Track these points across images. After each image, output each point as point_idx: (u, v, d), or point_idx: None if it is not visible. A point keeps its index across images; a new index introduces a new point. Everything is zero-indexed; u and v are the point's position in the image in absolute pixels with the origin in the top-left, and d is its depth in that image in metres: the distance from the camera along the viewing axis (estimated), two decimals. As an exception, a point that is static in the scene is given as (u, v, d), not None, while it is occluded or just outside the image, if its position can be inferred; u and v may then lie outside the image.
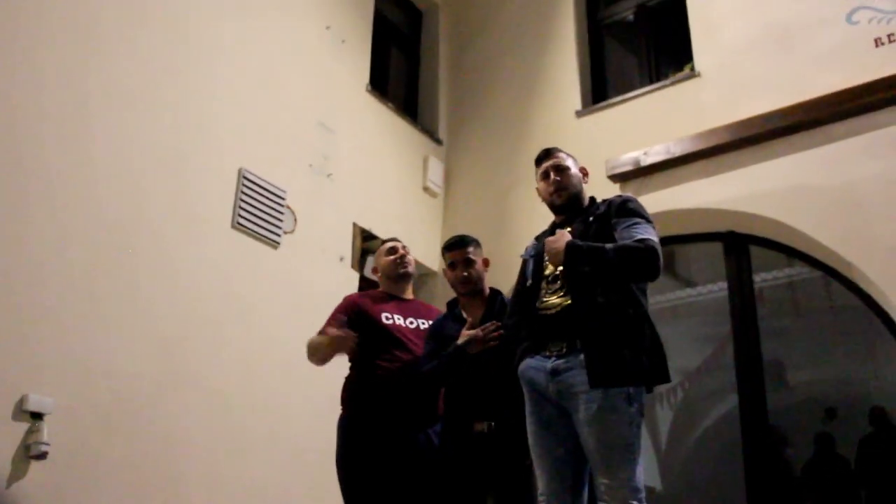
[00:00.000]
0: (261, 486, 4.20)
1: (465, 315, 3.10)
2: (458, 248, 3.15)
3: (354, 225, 5.33)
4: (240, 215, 4.47)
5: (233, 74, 4.66)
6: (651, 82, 5.65)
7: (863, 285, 4.45)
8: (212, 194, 4.39)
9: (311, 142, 5.12)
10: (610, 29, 6.28)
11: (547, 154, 3.01)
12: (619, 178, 5.23)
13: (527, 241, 3.03)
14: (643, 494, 2.48)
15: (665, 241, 3.62)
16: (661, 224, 2.96)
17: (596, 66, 6.05)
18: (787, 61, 4.81)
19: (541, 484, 2.63)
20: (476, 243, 3.20)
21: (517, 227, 5.08)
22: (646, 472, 2.59)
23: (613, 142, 5.31)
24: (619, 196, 2.85)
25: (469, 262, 3.12)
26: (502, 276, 3.46)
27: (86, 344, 3.60)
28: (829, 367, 6.49)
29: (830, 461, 5.86)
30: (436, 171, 6.17)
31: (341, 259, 5.14)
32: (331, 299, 3.48)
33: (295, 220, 4.86)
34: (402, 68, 6.73)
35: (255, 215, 4.56)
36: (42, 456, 3.30)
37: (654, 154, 5.12)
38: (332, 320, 3.30)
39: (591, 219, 2.78)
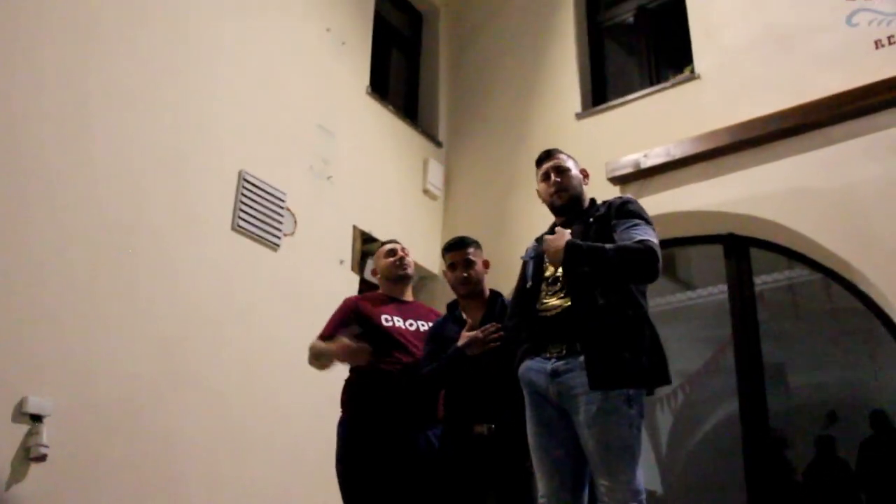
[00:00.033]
0: (261, 488, 4.19)
1: (465, 317, 3.10)
2: (458, 249, 3.15)
3: (354, 227, 5.33)
4: (240, 217, 4.47)
5: (233, 76, 4.66)
6: (651, 84, 5.65)
7: (863, 287, 4.44)
8: (212, 196, 4.39)
9: (311, 144, 5.12)
10: (610, 31, 6.29)
11: (547, 155, 3.01)
12: (619, 180, 5.22)
13: (527, 243, 3.04)
14: (643, 496, 2.48)
15: (665, 243, 3.62)
16: (661, 226, 2.96)
17: (596, 69, 6.05)
18: (787, 63, 4.81)
19: (541, 485, 2.63)
20: (476, 245, 3.20)
21: (517, 230, 5.08)
22: (646, 475, 2.59)
23: (613, 144, 5.30)
24: (620, 197, 2.85)
25: (469, 264, 3.12)
26: (502, 279, 3.46)
27: (86, 346, 3.60)
28: (830, 370, 6.48)
29: (831, 464, 5.85)
30: (436, 173, 6.17)
31: (341, 261, 5.14)
32: (331, 302, 3.49)
33: (295, 222, 4.85)
34: (402, 71, 6.73)
35: (255, 217, 4.56)
36: (42, 458, 3.29)
37: (654, 156, 5.12)
38: (333, 323, 3.30)
39: (591, 220, 2.79)
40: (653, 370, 2.57)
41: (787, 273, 5.48)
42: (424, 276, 5.83)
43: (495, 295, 3.18)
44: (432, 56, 6.75)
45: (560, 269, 2.71)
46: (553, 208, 2.95)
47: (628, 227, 2.65)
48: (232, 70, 4.66)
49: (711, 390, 6.72)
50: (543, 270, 2.80)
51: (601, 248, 2.59)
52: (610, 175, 5.22)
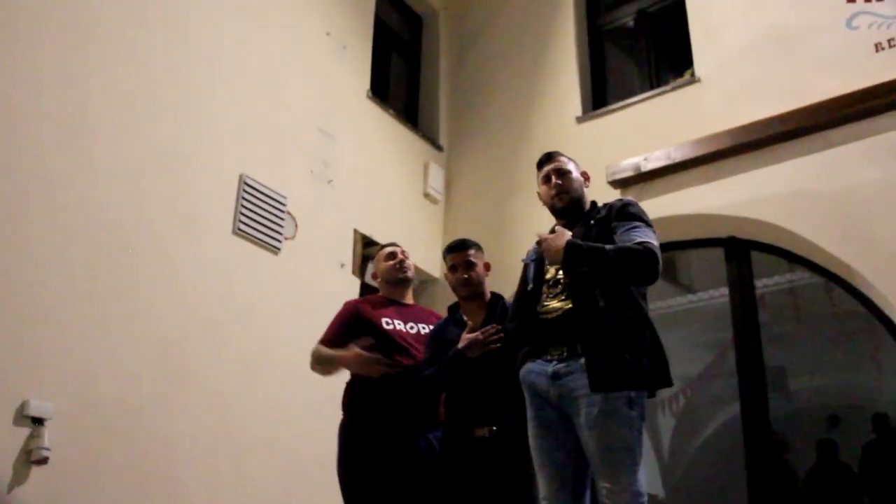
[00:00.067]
0: (261, 490, 4.19)
1: (466, 319, 3.09)
2: (459, 251, 3.15)
3: (355, 231, 5.33)
4: (240, 221, 4.48)
5: (234, 80, 4.67)
6: (651, 88, 5.65)
7: (864, 290, 4.44)
8: (213, 200, 4.39)
9: (311, 148, 5.12)
10: (610, 34, 6.29)
11: (548, 158, 3.01)
12: (620, 183, 5.22)
13: (527, 246, 3.03)
14: (645, 499, 2.48)
15: (666, 246, 3.62)
16: (661, 230, 2.96)
17: (596, 72, 6.06)
18: (788, 66, 4.82)
19: (542, 488, 2.63)
20: (477, 247, 3.20)
21: (518, 233, 5.08)
22: (648, 478, 2.58)
23: (614, 147, 5.31)
24: (620, 200, 2.86)
25: (470, 265, 3.12)
26: (503, 282, 3.46)
27: (87, 349, 3.60)
28: (832, 373, 6.47)
29: (833, 468, 5.84)
30: (436, 177, 6.18)
31: (342, 265, 5.14)
32: (331, 305, 3.49)
33: (296, 226, 4.86)
34: (402, 74, 6.74)
35: (255, 221, 4.56)
36: (43, 461, 3.29)
37: (654, 160, 5.12)
38: (334, 328, 3.30)
39: (591, 222, 2.79)
40: (653, 372, 2.57)
41: (787, 276, 5.49)
42: (425, 280, 5.84)
43: (496, 297, 3.18)
44: (432, 60, 6.77)
45: (561, 272, 2.71)
46: (554, 211, 2.95)
47: (628, 229, 2.66)
48: (233, 73, 4.67)
49: (713, 394, 6.72)
50: (544, 273, 2.80)
51: (601, 248, 2.59)
52: (610, 178, 5.22)
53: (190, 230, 4.22)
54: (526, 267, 2.92)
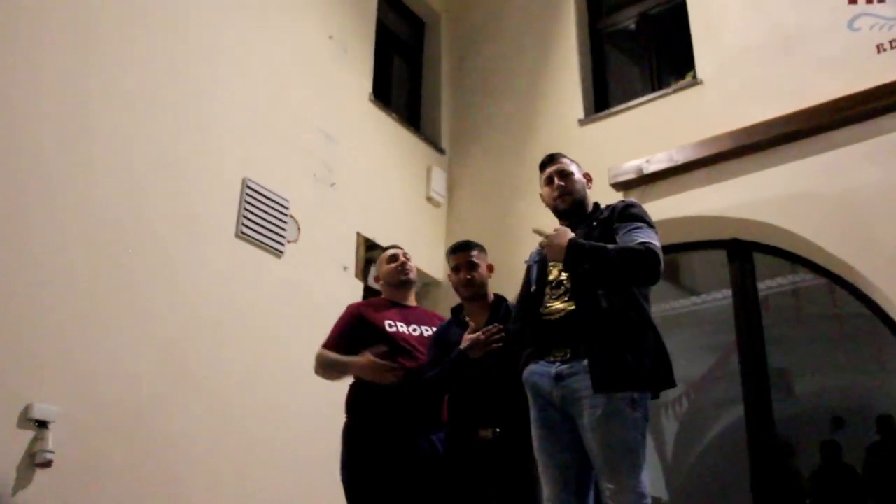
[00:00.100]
0: (264, 492, 4.19)
1: (468, 321, 3.10)
2: (462, 252, 3.16)
3: (358, 234, 5.34)
4: (243, 224, 4.48)
5: (236, 83, 4.68)
6: (653, 90, 5.66)
7: (867, 292, 4.43)
8: (215, 203, 4.40)
9: (314, 151, 5.13)
10: (612, 37, 6.30)
11: (551, 159, 3.02)
12: (622, 186, 5.22)
13: (530, 249, 3.03)
14: (648, 500, 2.48)
15: (668, 248, 3.62)
16: (664, 232, 2.97)
17: (598, 75, 6.06)
18: (789, 68, 4.82)
19: (546, 490, 2.63)
20: (481, 248, 3.21)
21: (520, 236, 5.06)
22: (652, 481, 2.58)
23: (616, 150, 5.31)
24: (623, 201, 2.87)
25: (472, 266, 3.12)
26: (506, 284, 3.46)
27: (90, 352, 3.61)
28: (836, 375, 6.47)
29: (837, 470, 5.83)
30: (439, 180, 6.19)
31: (345, 268, 5.15)
32: (334, 308, 3.49)
33: (298, 229, 4.87)
34: (404, 78, 6.76)
35: (258, 224, 4.57)
36: (47, 464, 3.30)
37: (656, 162, 5.12)
38: (337, 332, 3.30)
39: (594, 223, 2.79)
40: (656, 373, 2.57)
41: (790, 278, 5.48)
42: (428, 283, 5.84)
43: (500, 299, 3.18)
44: (434, 63, 6.78)
45: (564, 273, 2.71)
46: (557, 212, 2.95)
47: (630, 230, 2.66)
48: (235, 76, 4.68)
49: (716, 396, 6.72)
50: (547, 274, 2.80)
51: (603, 247, 2.60)
52: (613, 181, 5.22)
53: (192, 233, 4.23)
54: (529, 268, 2.92)
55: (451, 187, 6.30)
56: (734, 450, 5.18)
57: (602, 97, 5.98)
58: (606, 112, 5.73)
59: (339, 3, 5.68)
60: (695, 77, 5.31)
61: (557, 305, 2.69)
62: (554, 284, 2.76)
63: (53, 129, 3.68)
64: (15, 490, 3.22)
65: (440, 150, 6.38)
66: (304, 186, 4.99)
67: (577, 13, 6.14)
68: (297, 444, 4.40)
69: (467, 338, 2.96)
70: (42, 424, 3.32)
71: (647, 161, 5.14)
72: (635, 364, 2.51)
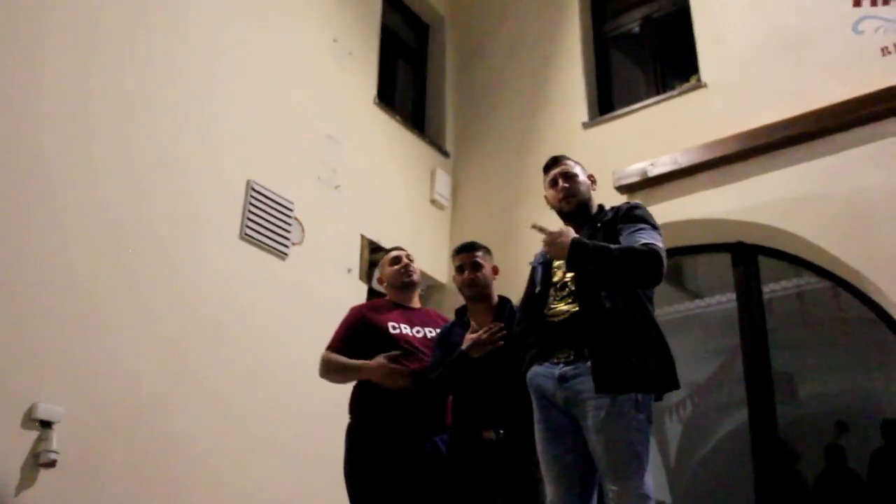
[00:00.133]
0: (266, 493, 4.19)
1: (472, 322, 3.10)
2: (466, 252, 3.17)
3: (362, 237, 5.34)
4: (248, 226, 4.49)
5: (240, 85, 4.69)
6: (657, 93, 5.66)
7: (872, 295, 4.42)
8: (220, 205, 4.41)
9: (318, 154, 5.14)
10: (616, 41, 6.31)
11: (555, 161, 3.02)
12: (626, 189, 5.22)
13: (534, 252, 3.03)
14: (652, 502, 2.47)
15: (673, 252, 3.61)
16: (668, 235, 2.96)
17: (602, 78, 6.07)
18: (794, 71, 4.81)
19: (549, 491, 2.63)
20: (486, 250, 3.22)
21: (524, 239, 5.02)
22: (655, 485, 2.57)
23: (620, 153, 5.31)
24: (627, 203, 2.87)
25: (476, 266, 3.13)
26: (510, 287, 3.46)
27: (95, 353, 3.61)
28: (840, 379, 6.44)
29: (842, 475, 5.80)
30: (443, 183, 6.19)
31: (349, 270, 5.15)
32: (338, 310, 3.49)
33: (303, 231, 4.87)
34: (408, 81, 6.77)
35: (263, 226, 4.58)
36: (51, 464, 3.30)
37: (661, 165, 5.12)
38: (341, 334, 3.31)
39: (598, 225, 2.79)
40: (660, 374, 2.57)
41: (795, 281, 5.46)
42: (432, 286, 5.84)
43: (504, 301, 3.18)
44: (439, 66, 6.79)
45: (568, 275, 2.71)
46: (562, 214, 2.95)
47: (634, 231, 2.66)
48: (239, 78, 4.69)
49: (720, 400, 6.69)
50: (552, 276, 2.81)
51: (606, 247, 2.59)
52: (617, 184, 5.22)
53: (196, 234, 4.24)
54: (533, 270, 2.93)
55: (455, 190, 6.31)
56: (738, 454, 5.16)
57: (606, 100, 5.98)
58: (611, 115, 5.74)
59: (343, 6, 5.70)
60: (699, 80, 5.30)
61: (561, 307, 2.69)
62: (558, 286, 2.76)
63: (53, 129, 3.68)
64: (18, 490, 3.22)
65: (444, 153, 6.38)
66: (309, 189, 5.00)
67: (581, 17, 6.15)
68: (299, 445, 4.40)
69: (469, 337, 2.97)
70: (46, 424, 3.32)
71: (652, 164, 5.14)
72: (638, 365, 2.51)
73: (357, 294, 5.04)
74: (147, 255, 3.94)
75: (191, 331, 4.07)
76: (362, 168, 5.48)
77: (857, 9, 4.66)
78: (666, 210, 4.85)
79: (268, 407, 4.31)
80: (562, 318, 2.68)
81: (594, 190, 3.01)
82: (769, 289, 5.22)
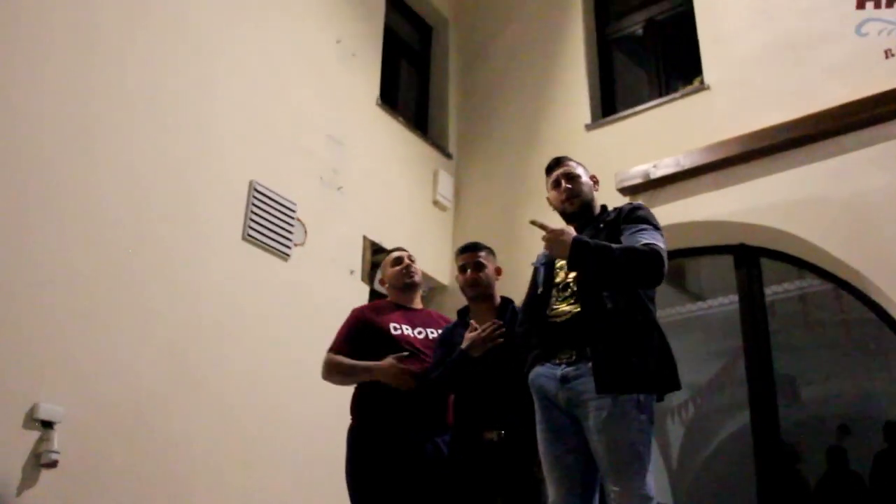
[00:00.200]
0: (268, 494, 4.19)
1: (474, 323, 3.10)
2: (469, 252, 3.17)
3: (364, 238, 5.34)
4: (250, 227, 4.49)
5: (244, 87, 4.69)
6: (660, 95, 5.66)
7: (875, 297, 4.42)
8: (222, 206, 4.41)
9: (321, 155, 5.15)
10: (619, 43, 6.31)
11: (557, 163, 3.02)
12: (629, 191, 5.22)
13: (536, 253, 3.03)
14: (654, 503, 2.47)
15: (675, 254, 3.60)
16: (671, 237, 2.96)
17: (605, 80, 6.07)
18: (797, 73, 4.81)
19: (550, 492, 2.63)
20: (489, 250, 3.22)
21: (527, 241, 5.04)
22: (657, 487, 2.57)
23: (623, 155, 5.31)
24: (630, 203, 2.88)
25: (479, 266, 3.13)
26: (512, 289, 3.46)
27: (96, 354, 3.61)
28: (843, 381, 6.41)
29: (844, 477, 5.79)
30: (445, 184, 6.19)
31: (351, 272, 5.15)
32: (340, 311, 3.49)
33: (305, 232, 4.88)
34: (412, 83, 6.77)
35: (265, 227, 4.58)
36: (52, 464, 3.31)
37: (663, 167, 5.11)
38: (343, 336, 3.31)
39: (601, 225, 2.80)
40: (661, 375, 2.57)
41: (797, 283, 5.45)
42: (434, 287, 5.84)
43: (506, 302, 3.19)
44: (442, 68, 6.79)
45: (571, 276, 2.71)
46: (565, 215, 2.95)
47: (635, 232, 2.66)
48: (242, 80, 4.70)
49: (722, 403, 6.68)
50: (554, 277, 2.81)
51: (607, 246, 2.59)
52: (619, 186, 5.22)
53: (199, 235, 4.24)
54: (536, 271, 2.93)
55: (457, 191, 6.31)
56: (740, 456, 5.15)
57: (609, 102, 5.98)
58: (613, 117, 5.74)
59: (347, 7, 5.70)
60: (702, 82, 5.31)
61: (564, 308, 2.70)
62: (560, 287, 2.76)
63: (54, 128, 3.67)
64: (20, 490, 3.23)
65: (447, 155, 6.38)
66: (311, 190, 5.00)
67: (584, 19, 6.15)
68: (300, 446, 4.40)
69: (468, 337, 2.97)
70: (47, 425, 3.33)
71: (655, 166, 5.14)
72: (640, 366, 2.51)
73: (359, 295, 5.05)
74: (149, 255, 3.95)
75: (192, 331, 4.07)
76: (365, 169, 5.48)
77: (860, 11, 4.66)
78: (668, 212, 4.84)
79: (269, 408, 4.32)
80: (564, 318, 2.68)
81: (597, 191, 3.01)
82: (771, 291, 5.22)
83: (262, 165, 4.68)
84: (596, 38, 6.21)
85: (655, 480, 2.54)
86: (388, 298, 3.54)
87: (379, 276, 3.68)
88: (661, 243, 2.63)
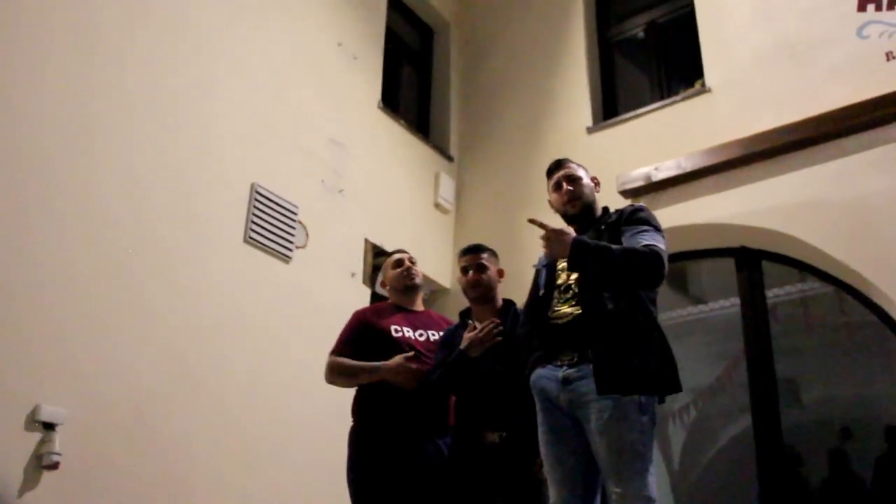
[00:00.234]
0: (270, 496, 4.19)
1: (476, 323, 3.10)
2: (472, 253, 3.18)
3: (366, 240, 5.34)
4: (252, 230, 4.50)
5: (244, 89, 4.69)
6: (662, 98, 5.67)
7: (877, 300, 4.41)
8: (224, 208, 4.41)
9: (323, 157, 5.15)
10: (620, 46, 6.31)
11: (558, 165, 3.03)
12: (631, 193, 5.22)
13: (538, 256, 3.03)
14: (656, 504, 2.47)
15: (676, 256, 3.61)
16: (672, 239, 2.96)
17: (606, 83, 6.07)
18: (798, 76, 4.82)
19: (552, 493, 2.63)
20: (492, 252, 3.23)
21: (528, 244, 5.03)
22: (659, 490, 2.56)
23: (624, 157, 5.31)
24: (631, 205, 2.88)
25: (481, 268, 3.14)
26: (514, 292, 3.46)
27: (98, 355, 3.61)
28: (844, 385, 6.40)
29: (846, 480, 5.78)
30: (447, 187, 6.19)
31: (353, 274, 5.15)
32: (342, 314, 3.50)
33: (307, 235, 4.88)
34: (413, 85, 6.78)
35: (267, 230, 4.58)
36: (54, 466, 3.30)
37: (665, 169, 5.11)
38: (345, 338, 3.31)
39: (602, 227, 2.80)
40: (662, 376, 2.57)
41: (799, 286, 5.45)
42: (436, 290, 5.84)
43: (508, 303, 3.19)
44: (443, 71, 6.80)
45: (572, 277, 2.72)
46: (566, 217, 2.96)
47: (636, 233, 2.67)
48: (243, 82, 4.70)
49: (724, 406, 6.66)
50: (556, 279, 2.81)
51: (607, 247, 2.60)
52: (621, 188, 5.22)
53: (200, 237, 4.24)
54: (538, 272, 2.93)
55: (459, 194, 6.31)
56: (742, 459, 5.14)
57: (610, 105, 5.99)
58: (615, 120, 5.74)
59: (348, 10, 5.71)
60: (703, 85, 5.31)
61: (565, 309, 2.70)
62: (562, 289, 2.76)
63: (54, 129, 3.67)
64: (21, 492, 3.22)
65: (448, 157, 6.39)
66: (313, 192, 5.01)
67: (585, 21, 6.16)
68: (301, 448, 4.39)
69: (466, 337, 2.97)
70: (49, 426, 3.33)
71: (656, 169, 5.14)
72: (641, 367, 2.51)
73: (360, 298, 5.05)
74: (149, 256, 3.95)
75: (194, 333, 4.07)
76: (366, 172, 5.48)
77: (861, 14, 4.66)
78: (670, 214, 4.84)
79: (270, 410, 4.31)
80: (565, 320, 2.68)
81: (598, 192, 3.01)
82: (773, 294, 5.21)
83: (263, 168, 4.68)
84: (597, 41, 6.21)
85: (657, 483, 2.54)
86: (390, 301, 3.54)
87: (380, 278, 3.68)
88: (661, 244, 2.63)
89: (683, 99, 5.40)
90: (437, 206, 6.10)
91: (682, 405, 6.61)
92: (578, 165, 3.03)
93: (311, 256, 4.86)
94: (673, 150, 5.12)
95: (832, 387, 6.47)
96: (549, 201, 3.04)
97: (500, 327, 2.93)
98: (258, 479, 4.15)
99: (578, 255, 2.58)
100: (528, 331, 2.80)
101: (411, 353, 3.13)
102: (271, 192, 4.66)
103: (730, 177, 4.91)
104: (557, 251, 2.66)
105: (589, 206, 2.92)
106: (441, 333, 3.28)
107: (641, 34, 6.21)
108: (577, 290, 2.69)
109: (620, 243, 2.66)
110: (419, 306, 3.50)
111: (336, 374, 3.24)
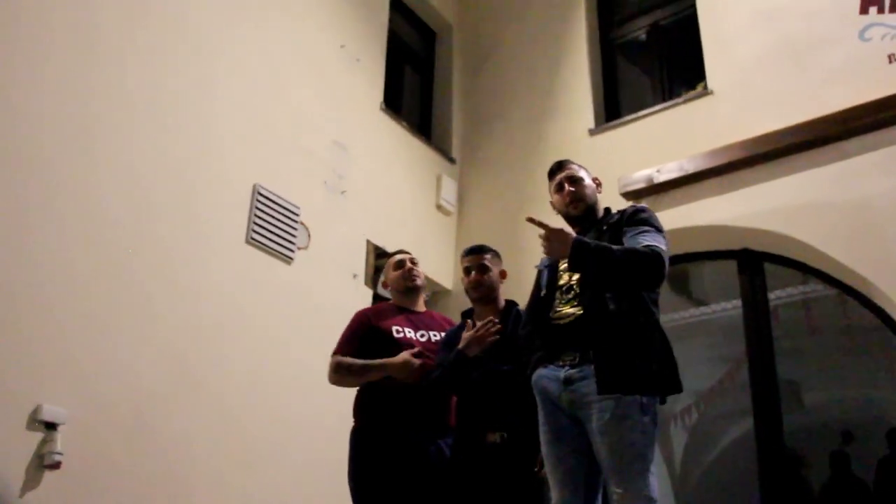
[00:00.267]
0: (269, 497, 4.19)
1: (471, 323, 3.09)
2: (474, 254, 3.18)
3: (368, 242, 5.35)
4: (254, 230, 4.50)
5: (247, 90, 4.70)
6: (664, 100, 5.67)
7: (879, 302, 4.41)
8: (226, 209, 4.42)
9: (325, 159, 5.16)
10: (623, 48, 6.32)
11: (560, 166, 3.03)
12: (633, 195, 5.21)
13: (540, 258, 3.02)
14: (657, 504, 2.47)
15: (679, 258, 3.60)
16: (674, 241, 2.97)
17: (609, 85, 6.08)
18: (800, 78, 4.82)
19: (553, 493, 2.62)
20: (494, 253, 3.23)
21: (530, 245, 5.01)
22: (660, 492, 2.56)
23: (626, 159, 5.31)
24: (633, 206, 2.88)
25: (483, 268, 3.14)
26: (516, 293, 3.46)
27: (99, 356, 3.62)
28: (846, 387, 6.40)
29: (848, 483, 5.77)
30: (449, 189, 6.20)
31: (354, 275, 5.16)
32: (343, 315, 3.49)
33: (309, 236, 4.88)
34: (415, 87, 6.79)
35: (269, 231, 4.59)
36: (56, 465, 3.31)
37: (667, 171, 5.12)
38: (347, 338, 3.30)
39: (604, 227, 2.80)
40: (663, 377, 2.57)
41: (801, 288, 5.44)
42: (438, 291, 5.84)
43: (510, 304, 3.19)
44: (445, 73, 6.81)
45: (574, 278, 2.72)
46: (568, 219, 2.96)
47: (637, 234, 2.66)
48: (245, 83, 4.71)
49: (726, 408, 6.66)
50: (557, 279, 2.81)
51: (607, 247, 2.60)
52: (623, 190, 5.22)
53: (202, 238, 4.24)
54: (539, 273, 2.93)
55: (460, 196, 6.31)
56: (744, 461, 5.14)
57: (613, 107, 5.99)
58: (617, 122, 5.75)
59: (351, 12, 5.72)
60: (705, 87, 5.32)
61: (567, 310, 2.70)
62: (564, 289, 2.76)
63: (54, 129, 3.67)
64: (23, 492, 3.23)
65: (450, 159, 6.39)
66: (315, 193, 5.01)
67: (588, 24, 6.16)
68: (302, 448, 4.39)
69: (464, 336, 2.97)
70: (50, 426, 3.33)
71: (658, 171, 5.14)
72: (642, 367, 2.51)
73: (362, 299, 5.05)
74: (151, 257, 3.95)
75: (195, 334, 4.07)
76: (368, 173, 5.49)
77: (863, 16, 4.67)
78: (672, 216, 4.84)
79: (271, 410, 4.31)
80: (567, 321, 2.68)
81: (600, 193, 3.01)
82: (775, 296, 5.21)
83: (265, 169, 4.68)
84: (600, 43, 6.22)
85: (658, 485, 2.54)
86: (391, 301, 3.54)
87: (382, 279, 3.68)
88: (662, 245, 2.63)
89: (685, 101, 5.40)
90: (439, 207, 6.11)
91: (684, 407, 6.61)
92: (580, 167, 3.03)
93: (312, 257, 4.86)
94: (675, 152, 5.12)
95: (834, 389, 6.48)
96: (551, 203, 3.04)
97: (498, 326, 2.92)
98: (258, 479, 4.15)
99: (579, 256, 2.58)
100: (529, 331, 2.80)
101: (417, 349, 3.13)
102: (273, 193, 4.67)
103: (732, 179, 4.91)
104: (557, 251, 2.66)
105: (591, 207, 2.92)
106: (442, 334, 3.28)
107: (643, 36, 6.22)
108: (578, 291, 2.69)
109: (622, 244, 2.66)
110: (421, 307, 3.50)
111: (343, 374, 3.22)
